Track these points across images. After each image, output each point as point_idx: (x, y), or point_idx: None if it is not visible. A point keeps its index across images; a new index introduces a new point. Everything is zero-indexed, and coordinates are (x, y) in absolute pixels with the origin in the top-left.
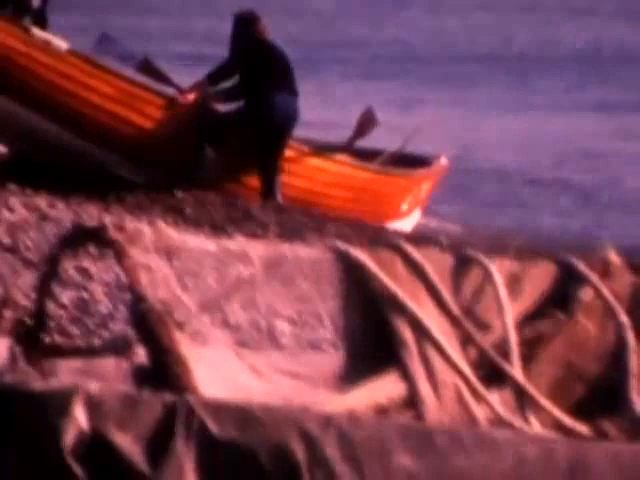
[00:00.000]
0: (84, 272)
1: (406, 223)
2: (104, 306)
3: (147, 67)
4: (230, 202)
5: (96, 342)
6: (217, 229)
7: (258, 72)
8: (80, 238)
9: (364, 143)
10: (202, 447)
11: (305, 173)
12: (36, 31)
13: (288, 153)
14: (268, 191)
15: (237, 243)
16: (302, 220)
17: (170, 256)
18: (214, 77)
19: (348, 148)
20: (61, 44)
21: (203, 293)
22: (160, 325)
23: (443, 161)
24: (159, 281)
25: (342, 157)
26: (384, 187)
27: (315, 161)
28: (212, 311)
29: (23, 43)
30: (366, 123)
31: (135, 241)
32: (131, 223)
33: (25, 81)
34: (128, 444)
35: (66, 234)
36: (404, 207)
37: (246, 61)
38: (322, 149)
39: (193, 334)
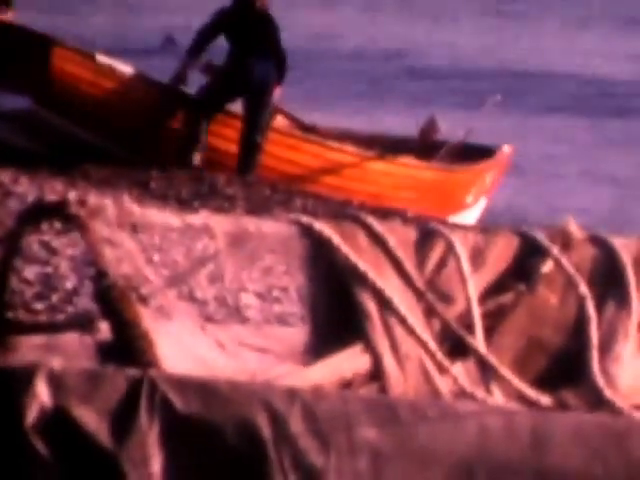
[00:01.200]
0: (48, 247)
1: (471, 213)
2: (68, 281)
3: (210, 69)
4: (196, 177)
5: (60, 318)
6: (183, 204)
7: (259, 43)
8: (42, 213)
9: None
10: (166, 422)
11: (372, 178)
12: (100, 57)
13: (354, 160)
14: (244, 166)
15: (202, 217)
16: (269, 194)
17: (134, 231)
18: (194, 50)
19: (413, 149)
20: (126, 68)
21: (168, 268)
22: (124, 300)
23: (506, 149)
24: (123, 256)
25: (406, 159)
26: (448, 183)
27: (381, 165)
28: (177, 286)
29: (88, 70)
30: (429, 131)
31: (98, 216)
32: (94, 198)
33: (91, 107)
34: (92, 420)
35: (28, 209)
36: (469, 199)
37: (245, 33)
38: (387, 152)
39: (158, 309)
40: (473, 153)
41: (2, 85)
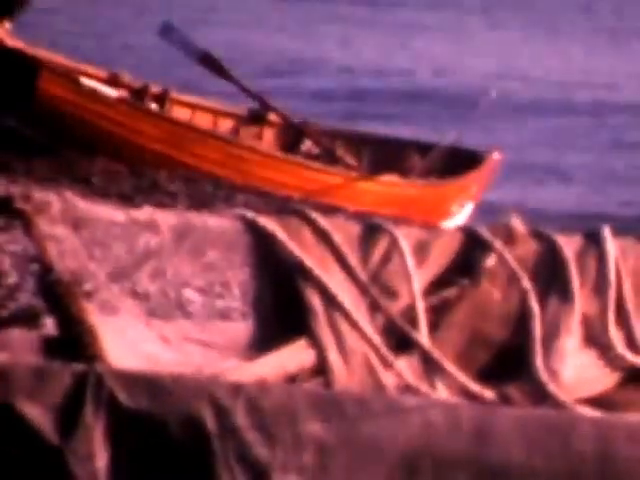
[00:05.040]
0: None
1: (456, 220)
2: (10, 277)
3: (208, 61)
4: (138, 172)
5: (3, 313)
6: (125, 199)
7: None
8: None
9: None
10: (112, 417)
11: (355, 197)
12: (84, 81)
13: (336, 180)
14: None
15: (145, 213)
16: (211, 190)
17: (78, 226)
18: None
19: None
20: (109, 92)
21: (112, 263)
22: (68, 295)
23: (495, 156)
24: (67, 251)
25: (390, 178)
26: (432, 197)
27: (364, 185)
28: (121, 281)
29: (72, 93)
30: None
31: (42, 211)
32: (38, 193)
33: (77, 130)
34: (37, 415)
35: None
36: (454, 209)
37: None
38: (370, 173)
39: (102, 304)
40: (461, 159)
41: None
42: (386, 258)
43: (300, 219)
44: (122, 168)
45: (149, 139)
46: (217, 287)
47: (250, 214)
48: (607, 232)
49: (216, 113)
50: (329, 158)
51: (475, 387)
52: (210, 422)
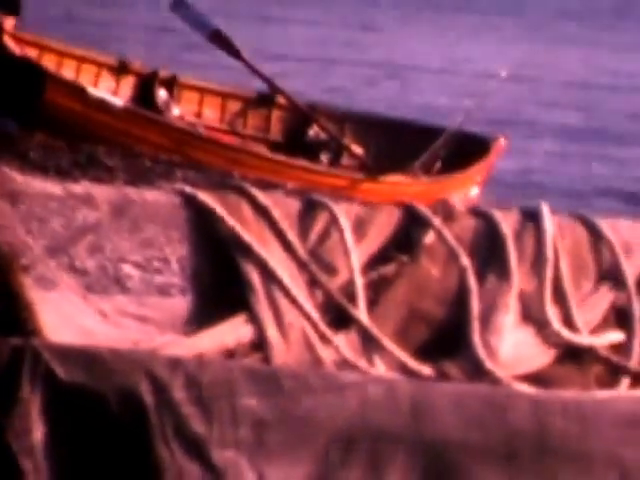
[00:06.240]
0: None
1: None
2: None
3: (218, 38)
4: (75, 147)
5: None
6: (63, 174)
7: None
8: None
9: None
10: (49, 391)
11: (359, 197)
12: (91, 90)
13: (341, 182)
14: None
15: (83, 187)
16: (149, 165)
17: (15, 200)
18: None
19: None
20: (116, 101)
21: (49, 238)
22: (5, 269)
23: (502, 142)
24: (4, 226)
25: (396, 178)
26: (438, 192)
27: (369, 186)
28: (58, 256)
29: (79, 103)
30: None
31: None
32: None
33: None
34: None
35: None
36: (460, 196)
37: None
38: (377, 173)
39: (39, 279)
40: (468, 145)
41: None
42: (325, 234)
43: (239, 195)
44: (60, 143)
45: (155, 146)
46: (155, 262)
47: (189, 189)
48: (545, 209)
49: (225, 96)
50: (335, 145)
51: (413, 363)
52: (148, 396)
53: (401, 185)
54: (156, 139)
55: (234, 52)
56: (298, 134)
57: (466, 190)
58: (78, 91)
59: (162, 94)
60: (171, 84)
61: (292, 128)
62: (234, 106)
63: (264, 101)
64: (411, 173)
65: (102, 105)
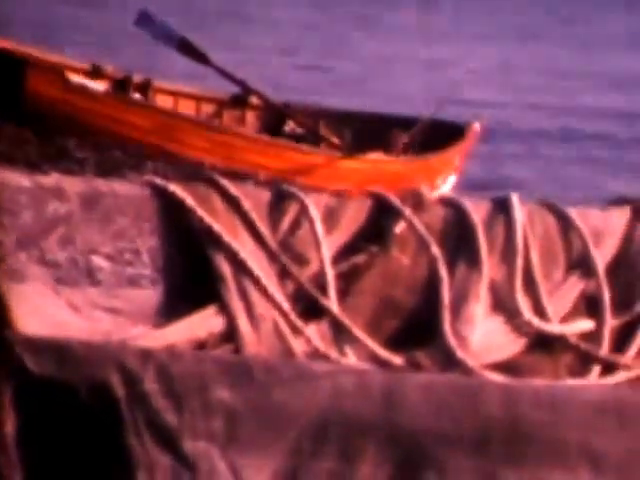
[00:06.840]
0: None
1: (441, 191)
2: None
3: (185, 47)
4: (45, 139)
5: None
6: (33, 166)
7: None
8: None
9: (402, 109)
10: (20, 384)
11: (342, 176)
12: (72, 76)
13: (322, 161)
14: None
15: (53, 179)
16: (120, 157)
17: None
18: None
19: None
20: (96, 86)
21: (19, 230)
22: None
23: (477, 127)
24: None
25: (375, 155)
26: (417, 173)
27: (350, 164)
28: (29, 248)
29: (60, 89)
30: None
31: None
32: None
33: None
34: None
35: None
36: (438, 182)
37: None
38: (355, 152)
39: (9, 271)
40: (443, 131)
41: None
42: (296, 225)
43: (209, 186)
44: (29, 135)
45: (138, 130)
46: (126, 254)
47: (159, 181)
48: (515, 198)
49: (199, 99)
50: (313, 138)
51: (384, 353)
52: (119, 388)
53: (381, 163)
54: (139, 122)
55: (202, 58)
56: (274, 132)
57: (445, 174)
58: (59, 78)
59: (138, 98)
60: (145, 88)
61: (267, 127)
62: (208, 108)
63: (238, 102)
64: (391, 152)
65: (83, 90)
